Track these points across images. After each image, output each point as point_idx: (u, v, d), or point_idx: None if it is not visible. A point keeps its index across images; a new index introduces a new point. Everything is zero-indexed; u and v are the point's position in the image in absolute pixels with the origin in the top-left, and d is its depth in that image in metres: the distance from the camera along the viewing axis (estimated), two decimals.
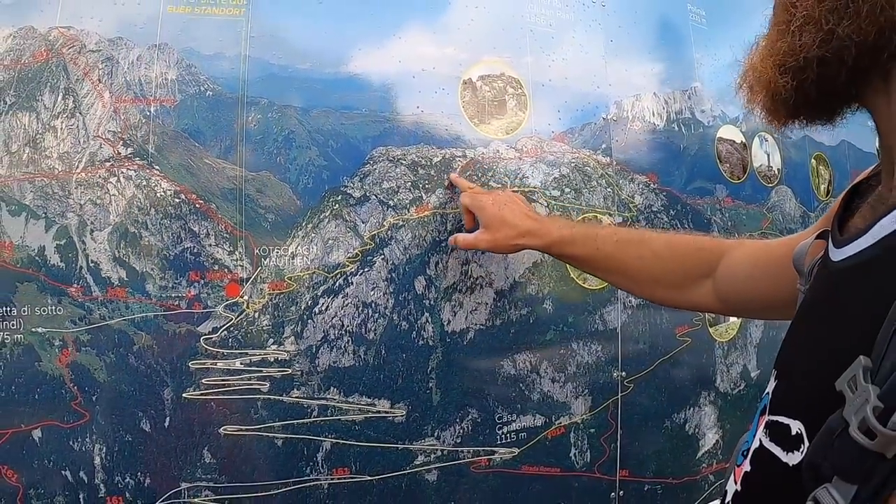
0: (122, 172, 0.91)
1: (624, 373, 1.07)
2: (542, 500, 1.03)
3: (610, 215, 1.08)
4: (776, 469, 0.51)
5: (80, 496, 0.87)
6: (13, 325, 0.87)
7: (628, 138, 1.09)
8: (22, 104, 0.89)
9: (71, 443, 0.88)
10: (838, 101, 0.54)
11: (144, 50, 0.93)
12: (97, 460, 0.88)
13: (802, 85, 0.50)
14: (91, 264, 0.89)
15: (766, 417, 0.54)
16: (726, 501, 0.60)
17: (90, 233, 0.90)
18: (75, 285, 0.88)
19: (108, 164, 0.91)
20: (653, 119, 1.11)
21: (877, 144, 0.59)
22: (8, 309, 0.87)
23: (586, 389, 1.04)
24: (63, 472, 0.88)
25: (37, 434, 0.87)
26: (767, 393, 0.56)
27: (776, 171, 1.29)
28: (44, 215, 0.89)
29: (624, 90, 1.09)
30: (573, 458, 1.04)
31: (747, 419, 1.10)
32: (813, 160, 1.36)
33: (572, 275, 1.06)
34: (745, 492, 0.56)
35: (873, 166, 0.60)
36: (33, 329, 0.87)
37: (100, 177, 0.90)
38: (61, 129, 0.91)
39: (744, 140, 1.20)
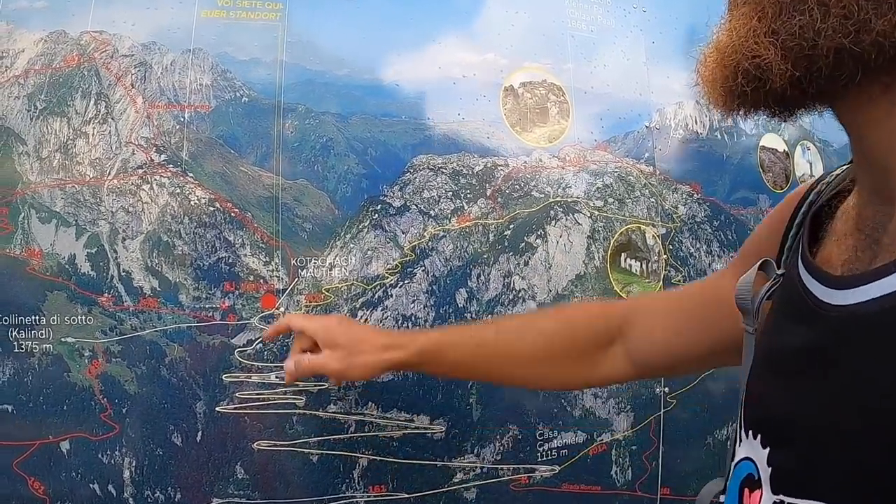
0: (156, 180, 0.70)
1: (667, 388, 0.83)
2: None
3: (653, 226, 0.84)
4: None
5: None
6: (42, 335, 0.68)
7: (671, 147, 0.87)
8: (53, 109, 0.69)
9: (100, 455, 0.68)
10: (823, 100, 0.37)
11: (178, 55, 0.72)
12: (126, 474, 0.68)
13: (806, 75, 0.33)
14: (122, 273, 0.68)
15: (777, 498, 0.36)
16: None
17: (122, 241, 0.69)
18: (106, 295, 0.68)
19: (140, 171, 0.70)
20: (695, 127, 0.88)
21: (847, 157, 0.42)
22: (37, 318, 0.68)
23: (629, 405, 0.82)
24: (91, 485, 0.68)
25: (65, 446, 0.69)
26: (748, 460, 0.39)
27: None
28: (74, 223, 0.69)
29: (666, 98, 0.86)
30: (614, 475, 0.81)
31: None
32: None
33: (615, 288, 0.82)
34: None
35: (810, 183, 0.46)
36: (62, 339, 0.69)
37: (132, 184, 0.69)
38: (93, 134, 0.70)
39: (786, 149, 0.96)
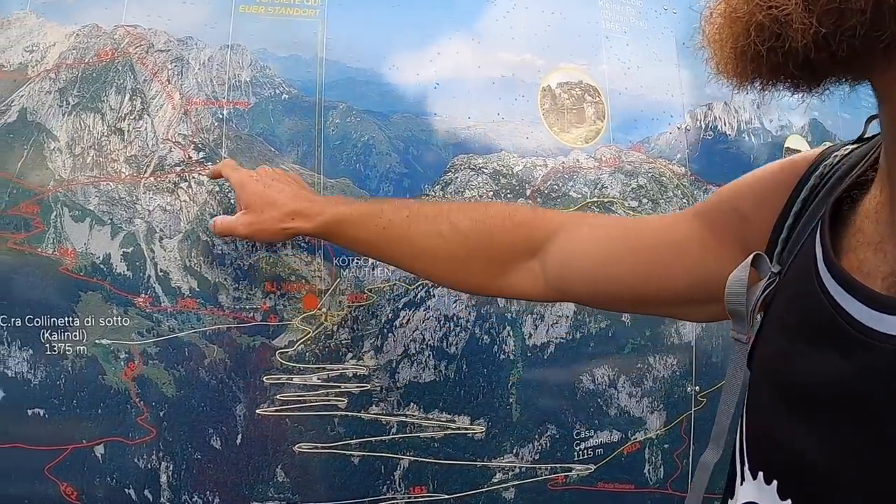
0: (194, 177, 0.69)
1: (698, 387, 0.83)
2: None
3: None
4: None
5: None
6: (75, 337, 0.66)
7: (701, 148, 0.86)
8: (86, 105, 0.67)
9: (136, 460, 0.66)
10: (857, 68, 0.29)
11: (216, 50, 0.70)
12: (163, 478, 0.66)
13: (836, 33, 0.26)
14: (160, 273, 0.66)
15: None
16: None
17: (159, 240, 0.67)
18: (143, 295, 0.66)
19: (178, 169, 0.68)
20: (724, 128, 0.89)
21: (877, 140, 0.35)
22: (70, 319, 0.66)
23: (661, 404, 0.82)
24: (126, 489, 0.66)
25: (99, 450, 0.67)
26: None
27: None
28: (110, 221, 0.66)
29: (696, 99, 0.87)
30: (647, 474, 0.81)
31: None
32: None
33: None
34: None
35: (810, 160, 0.40)
36: (97, 340, 0.67)
37: (170, 182, 0.67)
38: (128, 131, 0.68)
39: (809, 150, 0.96)
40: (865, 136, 0.39)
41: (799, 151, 0.98)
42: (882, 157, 0.34)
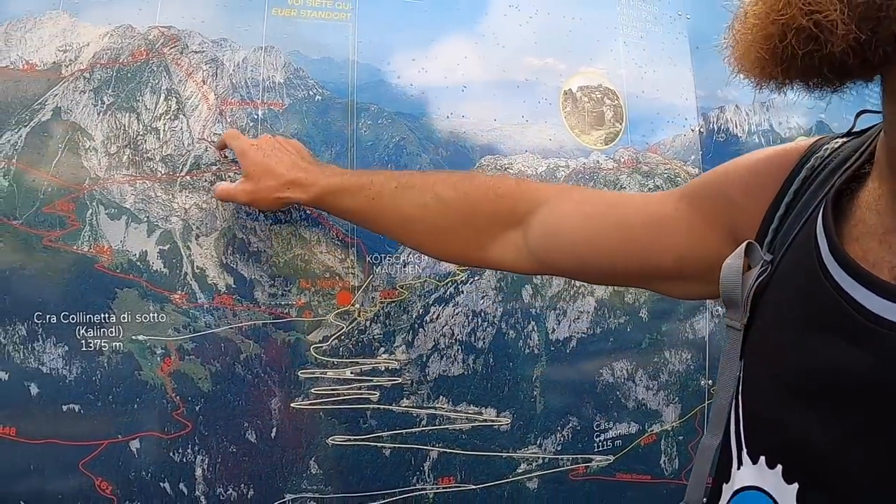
0: (230, 177, 0.70)
1: (711, 381, 0.87)
2: None
3: None
4: None
5: None
6: (112, 333, 0.67)
7: (714, 149, 0.90)
8: (121, 104, 0.68)
9: (171, 454, 0.68)
10: (882, 69, 0.31)
11: (250, 52, 0.72)
12: (199, 472, 0.68)
13: (872, 39, 0.28)
14: (196, 270, 0.68)
15: None
16: None
17: (195, 238, 0.68)
18: (179, 292, 0.67)
19: (214, 168, 0.70)
20: (735, 130, 0.92)
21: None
22: (106, 316, 0.67)
23: (676, 397, 0.85)
24: (162, 483, 0.68)
25: (135, 445, 0.68)
26: (758, 491, 0.34)
27: None
28: (146, 219, 0.68)
29: (709, 102, 0.91)
30: (663, 465, 0.85)
31: None
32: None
33: None
34: None
35: (800, 151, 0.40)
36: (133, 337, 0.68)
37: (206, 180, 0.69)
38: (164, 130, 0.69)
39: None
40: (855, 129, 0.41)
41: None
42: (881, 150, 0.35)
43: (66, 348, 0.68)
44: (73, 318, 0.68)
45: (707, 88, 0.91)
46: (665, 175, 0.88)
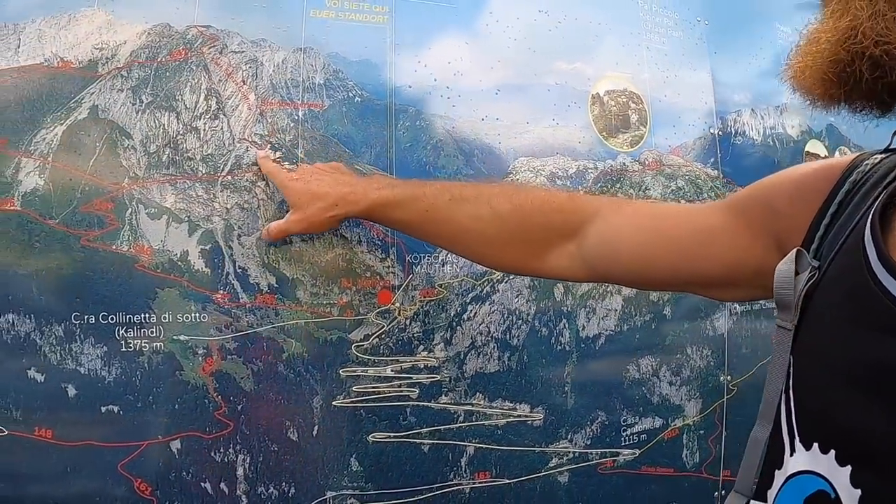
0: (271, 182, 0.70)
1: (729, 376, 0.91)
2: (656, 499, 0.87)
3: None
4: None
5: None
6: (152, 333, 0.68)
7: (732, 152, 0.94)
8: (160, 104, 0.69)
9: (212, 454, 0.68)
10: None
11: (290, 53, 0.73)
12: (240, 471, 0.68)
13: None
14: (238, 270, 0.69)
15: None
16: None
17: (237, 238, 0.69)
18: (221, 291, 0.68)
19: (255, 168, 0.70)
20: (751, 133, 0.96)
21: None
22: (147, 316, 0.67)
23: (698, 392, 0.89)
24: (203, 483, 0.68)
25: (175, 445, 0.68)
26: (814, 475, 0.37)
27: None
28: (187, 219, 0.68)
29: (726, 106, 0.96)
30: (685, 458, 0.88)
31: None
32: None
33: None
34: None
35: (843, 167, 0.43)
36: (174, 337, 0.68)
37: (247, 180, 0.70)
38: (204, 130, 0.70)
39: (826, 154, 1.06)
40: (892, 146, 0.44)
41: (818, 155, 1.07)
42: None
43: (105, 349, 0.68)
44: (112, 319, 0.68)
45: (724, 92, 0.95)
46: (687, 177, 0.92)
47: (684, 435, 0.90)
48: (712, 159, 0.93)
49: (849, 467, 0.35)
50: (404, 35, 0.78)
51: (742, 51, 0.99)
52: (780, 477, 0.41)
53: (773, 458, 0.43)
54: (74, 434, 0.66)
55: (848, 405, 0.36)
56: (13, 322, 0.66)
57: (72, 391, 0.67)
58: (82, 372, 0.67)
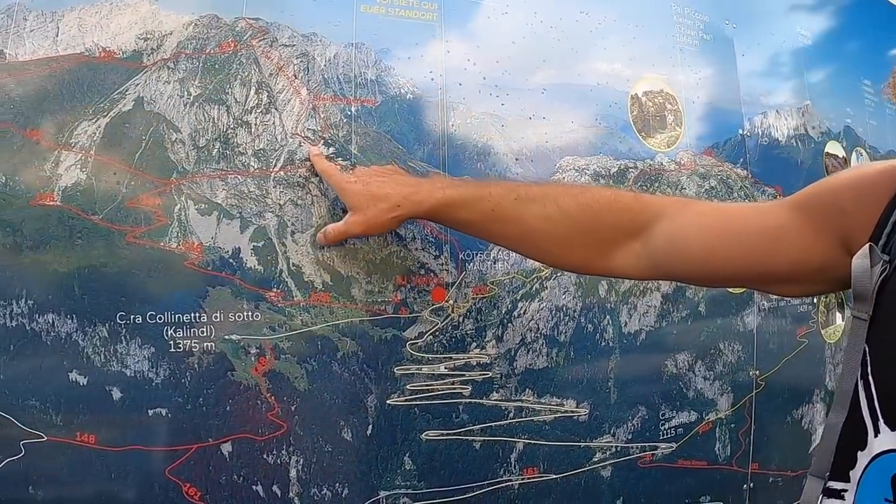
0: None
1: (758, 371, 0.94)
2: (691, 491, 0.90)
3: None
4: None
5: None
6: (202, 333, 0.66)
7: (759, 153, 0.98)
8: (209, 97, 0.67)
9: (265, 456, 0.68)
10: None
11: (341, 48, 0.72)
12: (293, 473, 0.68)
13: None
14: (292, 268, 0.68)
15: None
16: None
17: (291, 234, 0.68)
18: (275, 290, 0.67)
19: (308, 164, 0.70)
20: (776, 135, 1.00)
21: None
22: (197, 315, 0.66)
23: (729, 387, 0.92)
24: (254, 486, 0.67)
25: (226, 448, 0.67)
26: None
27: None
28: (238, 215, 0.67)
29: (753, 108, 0.99)
30: (717, 451, 0.91)
31: None
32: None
33: None
34: None
35: None
36: (226, 336, 0.67)
37: (300, 176, 0.69)
38: (255, 124, 0.69)
39: (844, 155, 1.11)
40: None
41: (836, 156, 1.12)
42: None
43: (153, 350, 0.66)
44: (160, 318, 0.66)
45: (751, 94, 0.98)
46: (718, 176, 0.95)
47: (717, 428, 0.93)
48: (741, 159, 0.97)
49: None
50: (453, 32, 0.78)
51: (767, 53, 1.03)
52: (863, 458, 0.44)
53: (854, 440, 0.45)
54: (119, 439, 0.64)
55: None
56: (53, 322, 0.64)
57: (117, 394, 0.65)
58: (128, 374, 0.65)
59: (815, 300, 1.06)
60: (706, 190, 0.94)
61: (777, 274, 0.57)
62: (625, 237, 0.62)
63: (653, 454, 0.88)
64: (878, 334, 0.45)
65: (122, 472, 0.64)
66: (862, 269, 0.45)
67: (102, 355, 0.64)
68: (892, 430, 0.41)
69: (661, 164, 0.90)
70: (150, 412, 0.65)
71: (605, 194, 0.65)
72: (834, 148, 1.10)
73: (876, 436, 0.42)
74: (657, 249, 0.61)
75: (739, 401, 0.95)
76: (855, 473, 0.44)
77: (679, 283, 0.90)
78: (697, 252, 0.59)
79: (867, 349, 0.46)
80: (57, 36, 0.68)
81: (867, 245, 0.45)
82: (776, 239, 0.55)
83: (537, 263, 0.80)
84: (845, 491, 0.45)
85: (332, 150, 0.73)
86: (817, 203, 0.55)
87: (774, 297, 0.96)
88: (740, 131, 0.98)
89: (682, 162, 0.92)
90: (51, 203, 0.64)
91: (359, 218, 0.66)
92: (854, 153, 1.14)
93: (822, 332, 1.11)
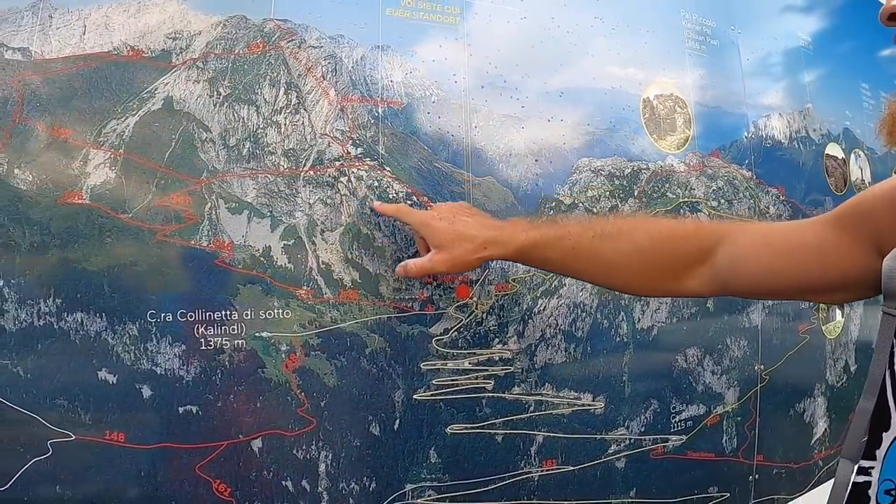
0: (353, 172, 0.72)
1: (762, 366, 0.98)
2: (699, 482, 0.94)
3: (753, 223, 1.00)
4: None
5: None
6: (233, 330, 0.67)
7: (763, 154, 1.02)
8: (238, 96, 0.69)
9: (294, 451, 0.69)
10: None
11: (368, 50, 0.74)
12: (322, 468, 0.70)
13: None
14: (322, 266, 0.70)
15: None
16: None
17: (321, 233, 0.70)
18: (305, 287, 0.69)
19: (337, 164, 0.71)
20: (779, 137, 1.05)
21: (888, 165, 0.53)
22: (228, 312, 0.67)
23: (735, 381, 0.96)
24: (283, 482, 0.69)
25: (257, 444, 0.68)
26: None
27: (867, 184, 1.26)
28: (269, 214, 0.69)
29: (758, 111, 1.03)
30: (724, 444, 0.95)
31: (849, 410, 1.05)
32: (894, 172, 1.33)
33: None
34: None
35: None
36: (257, 334, 0.68)
37: (329, 175, 0.71)
38: (285, 124, 0.70)
39: (844, 156, 1.15)
40: None
41: (836, 157, 1.17)
42: None
43: (184, 347, 0.67)
44: (191, 316, 0.67)
45: (756, 98, 1.02)
46: (725, 178, 0.98)
47: (724, 421, 0.97)
48: (746, 161, 1.01)
49: None
50: (477, 35, 0.80)
51: (770, 57, 1.07)
52: (887, 438, 0.49)
53: (881, 423, 0.50)
54: (149, 437, 0.65)
55: None
56: (82, 321, 0.64)
57: (147, 392, 0.65)
58: (158, 372, 0.66)
59: None
60: (714, 190, 0.97)
61: (825, 284, 0.62)
62: (693, 262, 0.68)
63: (664, 446, 0.91)
64: None
65: (151, 469, 0.65)
66: (892, 268, 0.50)
67: (132, 353, 0.65)
68: None
69: (672, 165, 0.94)
70: (181, 409, 0.66)
71: (669, 226, 0.72)
72: (834, 150, 1.15)
73: None
74: (722, 270, 0.67)
75: (745, 394, 0.99)
76: (880, 452, 0.49)
77: None
78: (757, 270, 0.66)
79: (895, 343, 0.51)
80: (84, 34, 0.68)
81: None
82: (823, 254, 0.61)
83: None
84: (872, 468, 0.50)
85: (359, 150, 0.75)
86: (856, 214, 0.60)
87: None
88: (745, 134, 1.01)
89: (692, 164, 0.95)
90: (79, 201, 0.64)
91: (444, 256, 0.68)
92: (853, 154, 1.19)
93: (823, 328, 1.16)
